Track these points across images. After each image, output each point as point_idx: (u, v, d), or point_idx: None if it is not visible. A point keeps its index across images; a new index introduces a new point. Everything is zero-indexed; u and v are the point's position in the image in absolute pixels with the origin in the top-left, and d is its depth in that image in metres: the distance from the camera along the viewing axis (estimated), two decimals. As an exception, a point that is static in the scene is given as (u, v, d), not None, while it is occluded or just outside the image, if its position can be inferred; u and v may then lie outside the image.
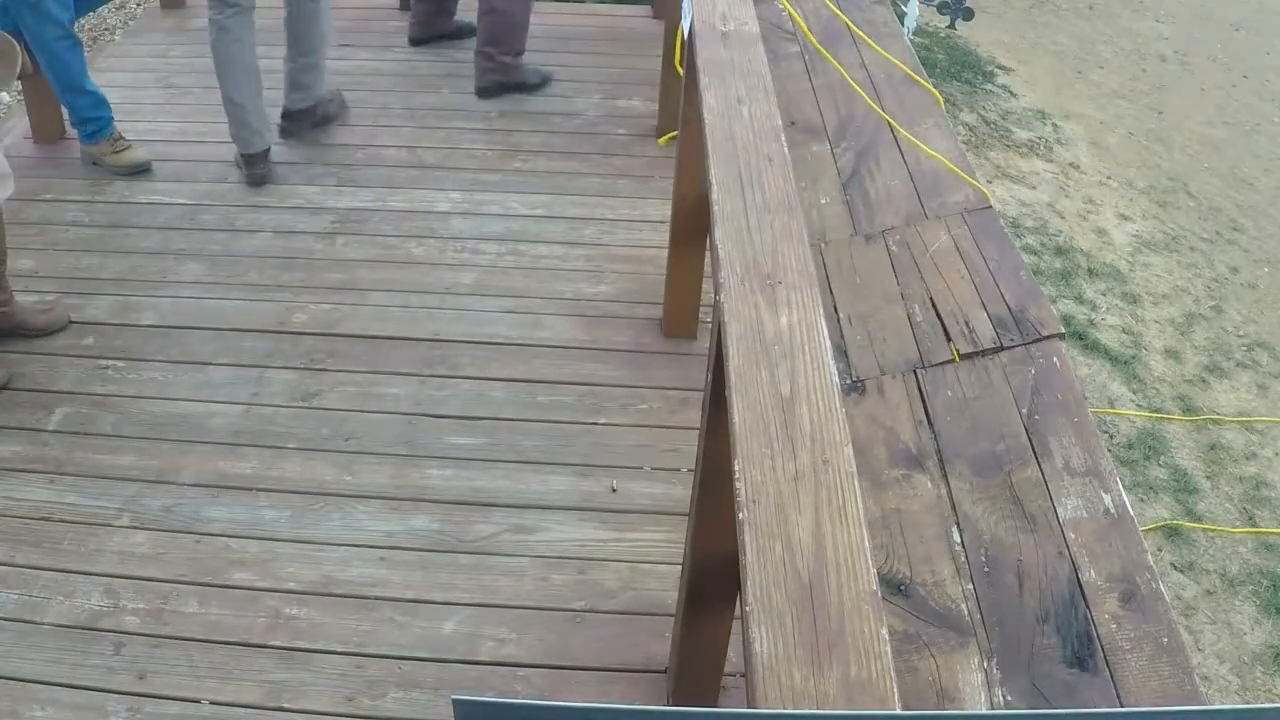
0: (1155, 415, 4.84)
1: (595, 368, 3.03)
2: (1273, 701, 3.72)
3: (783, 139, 1.93)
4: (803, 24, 4.51)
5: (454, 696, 0.79)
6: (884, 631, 1.07)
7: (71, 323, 3.10)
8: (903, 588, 2.34)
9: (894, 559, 2.40)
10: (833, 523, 1.19)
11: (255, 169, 3.73)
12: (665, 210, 3.22)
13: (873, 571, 1.14)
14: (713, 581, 1.81)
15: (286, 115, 3.95)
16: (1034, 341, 2.99)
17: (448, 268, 3.40)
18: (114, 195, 3.71)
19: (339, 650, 2.24)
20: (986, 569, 2.38)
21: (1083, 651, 2.19)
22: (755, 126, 1.96)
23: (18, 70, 2.82)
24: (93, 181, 3.77)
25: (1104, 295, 5.67)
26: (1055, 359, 2.94)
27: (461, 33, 4.69)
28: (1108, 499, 2.52)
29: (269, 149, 3.76)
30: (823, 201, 3.66)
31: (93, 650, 2.22)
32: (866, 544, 1.16)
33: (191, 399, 2.87)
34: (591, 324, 3.19)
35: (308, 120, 3.97)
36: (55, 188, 3.74)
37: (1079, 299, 5.58)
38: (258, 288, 3.29)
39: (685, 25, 2.55)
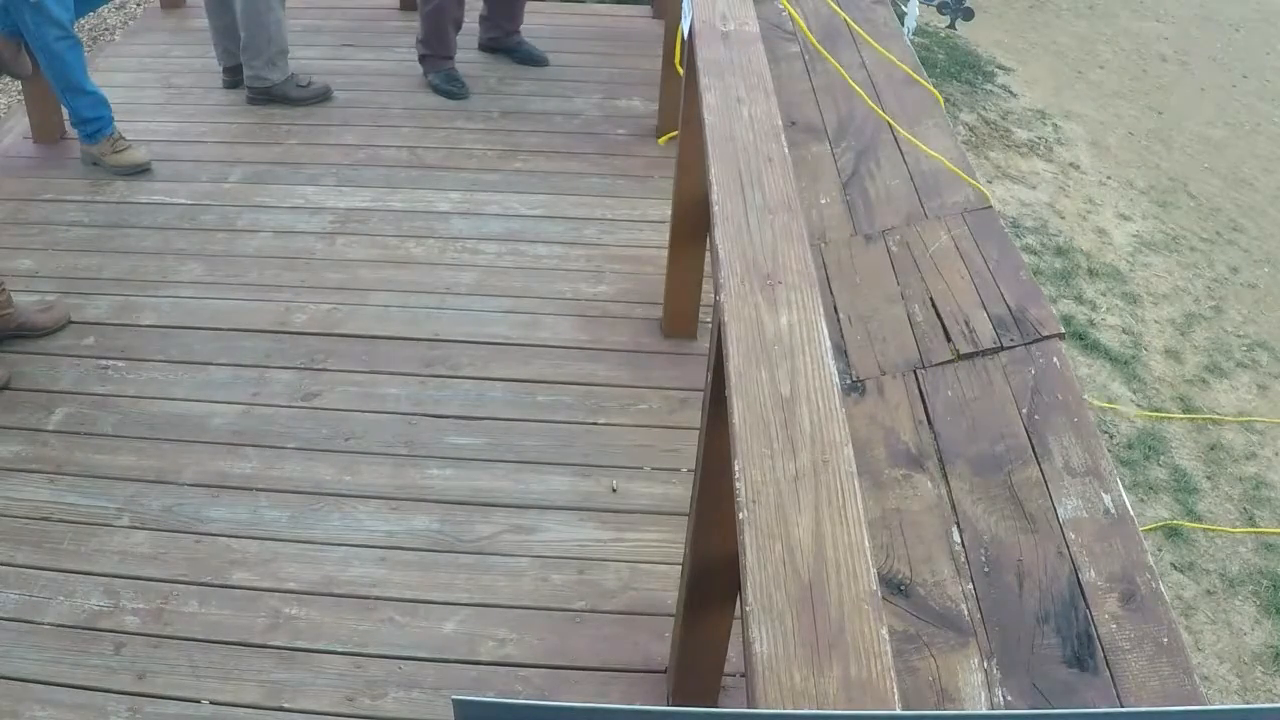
0: (1156, 415, 4.84)
1: (595, 368, 3.03)
2: (1273, 701, 3.72)
3: (783, 139, 1.93)
4: (802, 24, 4.51)
5: (454, 696, 0.79)
6: (884, 631, 1.07)
7: (71, 323, 3.10)
8: (903, 588, 2.34)
9: (894, 559, 2.40)
10: (833, 523, 1.19)
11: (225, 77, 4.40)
12: (665, 210, 3.22)
13: (873, 571, 1.13)
14: (713, 581, 1.81)
15: (247, 87, 4.28)
16: (1034, 341, 2.99)
17: (448, 268, 3.40)
18: (114, 195, 3.71)
19: (339, 650, 2.24)
20: (986, 569, 2.38)
21: (1083, 651, 2.19)
22: (755, 126, 1.96)
23: None
24: (93, 181, 3.77)
25: (1104, 295, 5.67)
26: (1055, 359, 2.94)
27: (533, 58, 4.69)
28: (1108, 499, 2.52)
29: (234, 66, 4.30)
30: (823, 201, 3.66)
31: (93, 650, 2.21)
32: (866, 544, 1.16)
33: (191, 399, 2.87)
34: (591, 324, 3.19)
35: (262, 96, 4.24)
36: (55, 188, 3.74)
37: (1079, 299, 5.58)
38: (258, 288, 3.29)
39: (685, 25, 2.55)
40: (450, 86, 4.40)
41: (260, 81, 4.19)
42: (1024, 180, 6.59)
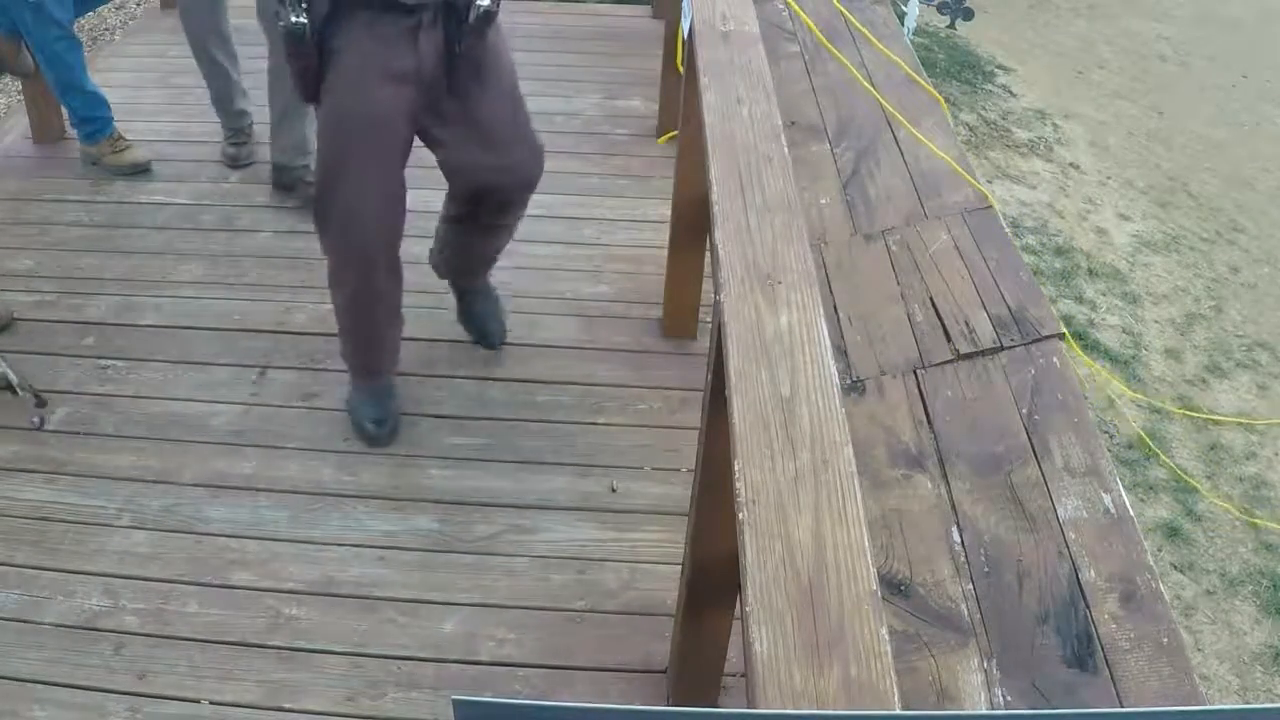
0: (1153, 395, 4.84)
1: (595, 368, 3.03)
2: (1273, 701, 3.72)
3: (783, 139, 1.93)
4: (805, 16, 4.50)
5: (454, 696, 0.79)
6: (884, 631, 1.07)
7: (71, 323, 3.10)
8: (903, 588, 2.34)
9: (894, 559, 2.40)
10: (833, 523, 1.18)
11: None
12: (665, 210, 3.22)
13: (873, 572, 1.13)
14: (713, 581, 1.81)
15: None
16: (1034, 341, 2.99)
17: (448, 268, 3.39)
18: (114, 195, 3.71)
19: (339, 650, 2.24)
20: (986, 569, 2.38)
21: (1083, 651, 2.19)
22: (755, 126, 1.96)
23: None
24: (93, 181, 3.76)
25: (1104, 295, 5.67)
26: (1055, 359, 2.94)
27: None
28: (1108, 499, 2.52)
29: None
30: (823, 201, 3.66)
31: (93, 650, 2.21)
32: (866, 544, 1.16)
33: (191, 399, 2.87)
34: (591, 324, 3.19)
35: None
36: (55, 188, 3.73)
37: (1079, 299, 5.58)
38: (258, 288, 3.29)
39: (685, 25, 2.55)
40: (359, 420, 2.72)
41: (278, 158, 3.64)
42: (1024, 180, 6.59)
